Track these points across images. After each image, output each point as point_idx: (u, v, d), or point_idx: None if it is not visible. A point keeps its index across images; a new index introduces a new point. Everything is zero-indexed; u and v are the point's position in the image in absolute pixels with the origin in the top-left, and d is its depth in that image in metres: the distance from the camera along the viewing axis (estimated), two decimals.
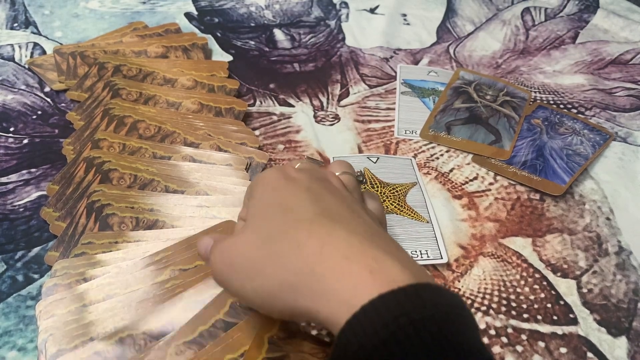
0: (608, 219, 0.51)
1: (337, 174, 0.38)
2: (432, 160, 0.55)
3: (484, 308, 0.44)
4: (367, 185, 0.52)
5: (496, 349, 0.41)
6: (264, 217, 0.33)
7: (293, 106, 0.62)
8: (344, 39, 0.72)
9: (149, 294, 0.41)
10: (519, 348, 0.41)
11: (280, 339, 0.37)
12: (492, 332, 0.42)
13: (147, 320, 0.39)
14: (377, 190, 0.51)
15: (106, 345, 0.38)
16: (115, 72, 0.61)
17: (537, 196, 0.52)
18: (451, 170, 0.55)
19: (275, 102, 0.62)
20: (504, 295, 0.45)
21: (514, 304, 0.44)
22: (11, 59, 0.66)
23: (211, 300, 0.39)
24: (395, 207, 0.50)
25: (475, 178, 0.54)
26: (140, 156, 0.51)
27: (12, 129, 0.57)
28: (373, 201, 0.39)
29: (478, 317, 0.43)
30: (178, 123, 0.55)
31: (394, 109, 0.61)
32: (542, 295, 0.45)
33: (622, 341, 0.42)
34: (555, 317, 0.43)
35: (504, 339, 0.42)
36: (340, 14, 0.76)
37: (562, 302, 0.45)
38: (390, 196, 0.51)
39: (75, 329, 0.39)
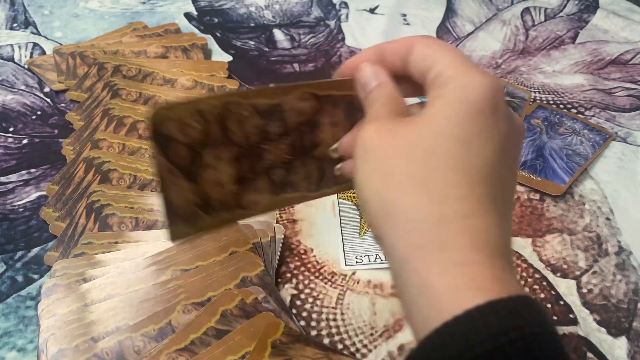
0: (608, 219, 0.51)
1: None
2: None
3: None
4: None
5: None
6: (435, 132, 0.26)
7: None
8: (343, 39, 0.72)
9: (150, 294, 0.41)
10: None
11: (283, 343, 0.37)
12: None
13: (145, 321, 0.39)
14: None
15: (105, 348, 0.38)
16: (115, 73, 0.61)
17: (537, 196, 0.52)
18: None
19: None
20: None
21: None
22: (11, 59, 0.66)
23: (202, 308, 0.39)
24: None
25: None
26: (139, 156, 0.51)
27: (11, 129, 0.57)
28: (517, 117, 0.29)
29: None
30: None
31: None
32: (542, 295, 0.45)
33: (622, 341, 0.42)
34: (555, 317, 0.43)
35: None
36: (340, 14, 0.76)
37: (562, 302, 0.45)
38: None
39: (76, 328, 0.39)
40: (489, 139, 0.26)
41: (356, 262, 0.46)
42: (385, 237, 0.26)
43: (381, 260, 0.46)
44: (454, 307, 0.22)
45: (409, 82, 0.30)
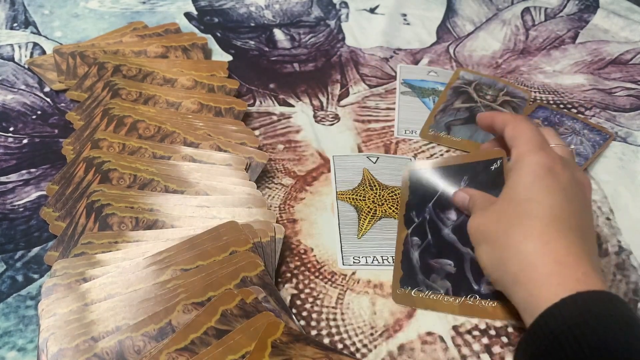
0: (608, 219, 0.51)
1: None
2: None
3: None
4: (367, 187, 0.52)
5: (496, 349, 0.41)
6: (507, 200, 0.40)
7: (293, 106, 0.62)
8: (344, 38, 0.72)
9: (150, 293, 0.41)
10: None
11: (283, 342, 0.37)
12: (492, 332, 0.42)
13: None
14: (376, 193, 0.51)
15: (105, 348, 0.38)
16: (115, 72, 0.61)
17: None
18: None
19: (275, 102, 0.62)
20: None
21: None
22: (11, 59, 0.66)
23: (203, 308, 0.39)
24: (393, 210, 0.50)
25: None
26: (140, 156, 0.51)
27: (11, 129, 0.57)
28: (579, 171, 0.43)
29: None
30: (178, 123, 0.55)
31: (394, 108, 0.61)
32: None
33: None
34: None
35: (504, 339, 0.42)
36: (340, 14, 0.76)
37: None
38: (388, 199, 0.51)
39: (76, 328, 0.39)
40: (550, 192, 0.38)
41: (353, 262, 0.46)
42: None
43: (378, 262, 0.46)
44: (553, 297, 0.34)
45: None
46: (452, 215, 0.47)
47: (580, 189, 0.40)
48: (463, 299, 0.43)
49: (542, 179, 0.39)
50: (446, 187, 0.48)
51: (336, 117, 0.60)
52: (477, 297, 0.43)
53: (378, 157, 0.55)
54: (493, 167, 0.46)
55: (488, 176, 0.46)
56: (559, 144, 0.43)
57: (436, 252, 0.45)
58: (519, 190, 0.39)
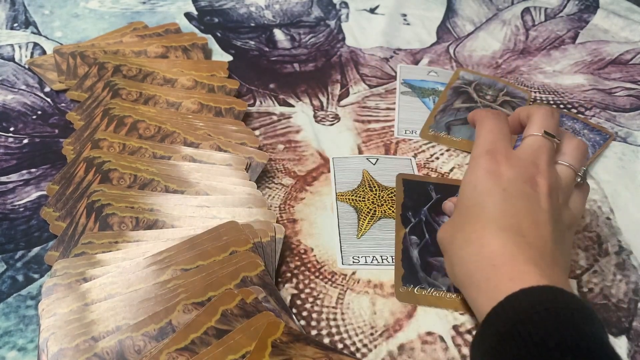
0: (608, 218, 0.51)
1: (559, 161, 0.41)
2: (432, 160, 0.56)
3: None
4: (366, 188, 0.52)
5: None
6: (459, 207, 0.41)
7: (293, 106, 0.62)
8: (344, 39, 0.72)
9: (150, 293, 0.41)
10: None
11: (284, 342, 0.37)
12: None
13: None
14: (376, 194, 0.51)
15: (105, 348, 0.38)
16: (115, 72, 0.61)
17: None
18: (451, 170, 0.55)
19: (275, 102, 0.62)
20: None
21: None
22: (11, 59, 0.66)
23: (203, 308, 0.39)
24: (392, 211, 0.50)
25: None
26: (140, 156, 0.51)
27: (12, 129, 0.57)
28: (578, 198, 0.42)
29: None
30: (178, 123, 0.55)
31: (394, 109, 0.61)
32: None
33: (622, 341, 0.42)
34: None
35: None
36: (340, 14, 0.76)
37: None
38: (387, 200, 0.51)
39: (76, 328, 0.39)
40: (489, 194, 0.39)
41: (353, 262, 0.46)
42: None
43: (378, 262, 0.46)
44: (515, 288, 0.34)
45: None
46: (447, 219, 0.47)
47: (527, 185, 0.39)
48: None
49: (483, 183, 0.39)
50: (440, 195, 0.50)
51: (336, 117, 0.60)
52: None
53: (377, 159, 0.55)
54: None
55: None
56: (535, 134, 0.41)
57: (435, 250, 0.45)
58: (465, 198, 0.40)
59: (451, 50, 0.70)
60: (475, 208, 0.39)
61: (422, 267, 0.45)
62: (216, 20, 0.74)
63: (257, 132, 0.58)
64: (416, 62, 0.68)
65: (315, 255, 0.47)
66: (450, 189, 0.51)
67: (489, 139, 0.41)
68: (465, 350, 0.41)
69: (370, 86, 0.64)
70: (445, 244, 0.41)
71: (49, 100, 0.61)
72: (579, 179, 0.42)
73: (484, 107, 0.60)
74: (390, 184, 0.52)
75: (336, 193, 0.52)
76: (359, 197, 0.51)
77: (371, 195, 0.51)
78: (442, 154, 0.56)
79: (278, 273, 0.45)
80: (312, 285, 0.45)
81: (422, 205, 0.50)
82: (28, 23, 0.71)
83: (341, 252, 0.47)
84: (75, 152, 0.54)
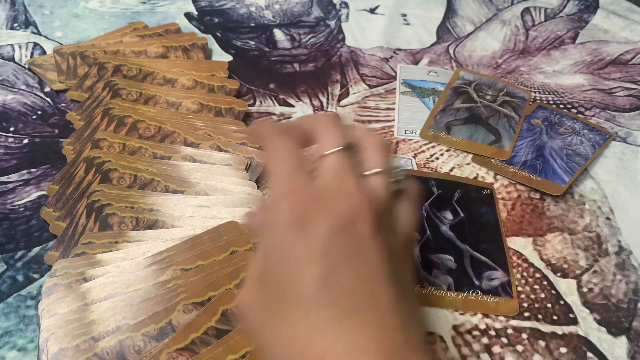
0: (608, 218, 0.51)
1: (367, 173, 0.32)
2: (432, 160, 0.56)
3: None
4: None
5: (496, 349, 0.41)
6: (266, 275, 0.30)
7: (293, 106, 0.62)
8: (344, 39, 0.72)
9: (150, 293, 0.41)
10: (519, 348, 0.41)
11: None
12: (492, 332, 0.42)
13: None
14: None
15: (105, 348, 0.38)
16: (115, 72, 0.61)
17: (538, 195, 0.52)
18: (451, 170, 0.55)
19: (275, 102, 0.62)
20: None
21: None
22: (11, 59, 0.66)
23: (203, 308, 0.39)
24: None
25: (475, 178, 0.54)
26: (140, 156, 0.51)
27: (12, 129, 0.57)
28: (403, 208, 0.34)
29: (478, 317, 0.43)
30: (178, 123, 0.55)
31: (394, 109, 0.61)
32: (543, 295, 0.45)
33: (622, 341, 0.42)
34: (555, 317, 0.44)
35: (504, 340, 0.42)
36: (340, 14, 0.76)
37: (562, 302, 0.45)
38: None
39: (76, 328, 0.39)
40: (299, 258, 0.29)
41: None
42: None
43: None
44: None
45: None
46: (449, 215, 0.47)
47: (349, 239, 0.29)
48: (466, 294, 0.43)
49: (293, 249, 0.29)
50: (441, 191, 0.51)
51: None
52: (479, 292, 0.43)
53: None
54: (484, 192, 0.50)
55: (478, 195, 0.50)
56: (328, 153, 0.32)
57: (436, 247, 0.45)
58: (271, 266, 0.30)
59: (451, 51, 0.70)
60: (288, 285, 0.29)
61: (423, 265, 0.45)
62: (216, 20, 0.74)
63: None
64: (416, 62, 0.68)
65: None
66: (451, 184, 0.51)
67: (283, 172, 0.31)
68: (465, 350, 0.41)
69: (370, 86, 0.64)
70: (252, 326, 0.30)
71: (49, 100, 0.61)
72: (393, 186, 0.33)
73: (485, 107, 0.60)
74: None
75: None
76: None
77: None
78: (442, 154, 0.56)
79: None
80: None
81: (423, 200, 0.49)
82: (28, 23, 0.71)
83: None
84: (75, 152, 0.54)
